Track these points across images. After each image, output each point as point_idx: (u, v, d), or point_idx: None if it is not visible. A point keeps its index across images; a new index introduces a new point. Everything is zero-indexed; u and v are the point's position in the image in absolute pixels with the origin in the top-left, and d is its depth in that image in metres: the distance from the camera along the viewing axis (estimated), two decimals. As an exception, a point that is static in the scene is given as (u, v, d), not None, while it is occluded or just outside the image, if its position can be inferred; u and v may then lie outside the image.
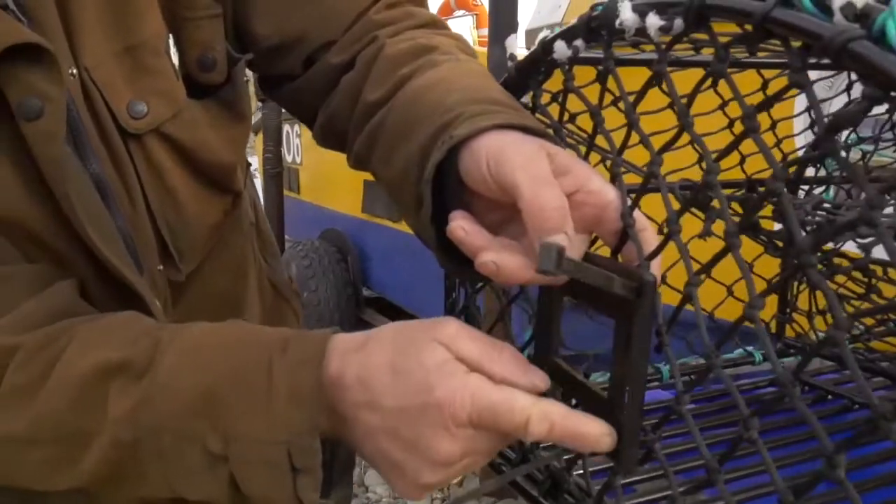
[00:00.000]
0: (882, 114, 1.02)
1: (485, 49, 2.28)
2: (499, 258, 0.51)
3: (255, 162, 4.10)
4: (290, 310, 0.97)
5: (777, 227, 0.95)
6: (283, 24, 0.77)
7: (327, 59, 0.77)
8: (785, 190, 0.42)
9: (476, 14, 6.91)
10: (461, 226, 0.53)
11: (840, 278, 0.94)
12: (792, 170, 0.81)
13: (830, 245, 0.88)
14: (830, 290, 0.38)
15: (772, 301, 0.90)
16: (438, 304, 0.83)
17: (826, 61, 0.40)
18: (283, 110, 3.69)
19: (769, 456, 0.45)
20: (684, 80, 0.51)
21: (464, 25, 6.64)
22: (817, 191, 1.05)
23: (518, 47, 0.72)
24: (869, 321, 0.97)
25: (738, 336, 1.04)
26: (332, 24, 0.77)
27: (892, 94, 0.36)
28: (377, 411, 0.52)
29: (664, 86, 0.51)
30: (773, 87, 0.80)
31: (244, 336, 0.58)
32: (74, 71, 0.64)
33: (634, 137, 0.55)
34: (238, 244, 0.84)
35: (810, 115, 0.98)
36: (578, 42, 0.56)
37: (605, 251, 0.55)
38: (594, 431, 0.50)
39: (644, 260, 0.49)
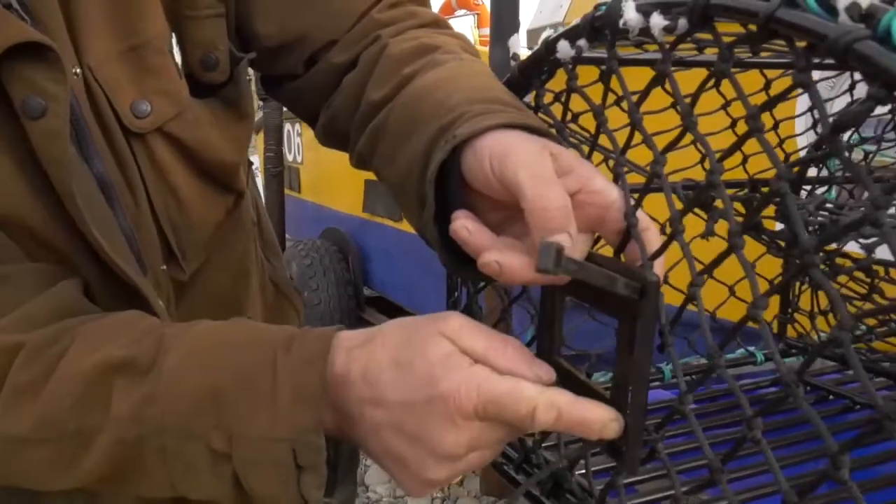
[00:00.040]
0: (885, 114, 1.02)
1: (486, 49, 2.28)
2: (502, 258, 0.51)
3: (256, 161, 4.10)
4: (292, 308, 0.97)
5: (779, 227, 0.95)
6: (286, 24, 0.77)
7: (330, 58, 0.77)
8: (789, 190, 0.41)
9: (477, 14, 6.91)
10: (464, 225, 0.53)
11: (842, 279, 0.94)
12: (795, 170, 0.81)
13: (833, 245, 0.88)
14: (834, 290, 0.38)
15: (773, 301, 0.90)
16: (439, 304, 0.83)
17: (830, 61, 0.40)
18: (285, 109, 3.71)
19: (766, 457, 0.45)
20: (686, 80, 0.50)
21: (465, 25, 6.64)
22: (819, 191, 1.05)
23: (519, 47, 0.72)
24: (871, 322, 0.97)
25: (739, 336, 1.05)
26: (335, 24, 0.77)
27: (897, 93, 0.36)
28: (382, 406, 0.52)
29: (667, 85, 0.51)
30: (776, 88, 0.80)
31: (248, 334, 0.58)
32: (78, 70, 0.64)
33: (637, 137, 0.55)
34: (240, 243, 0.84)
35: (812, 115, 0.97)
36: (582, 42, 0.56)
37: (607, 251, 0.55)
38: (601, 417, 0.50)
39: (647, 260, 0.49)
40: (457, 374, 0.50)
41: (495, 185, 0.52)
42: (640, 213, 0.51)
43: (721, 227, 0.72)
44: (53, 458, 0.56)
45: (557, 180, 0.50)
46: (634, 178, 0.56)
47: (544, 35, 0.61)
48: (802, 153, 1.24)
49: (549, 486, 0.75)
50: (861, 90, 0.94)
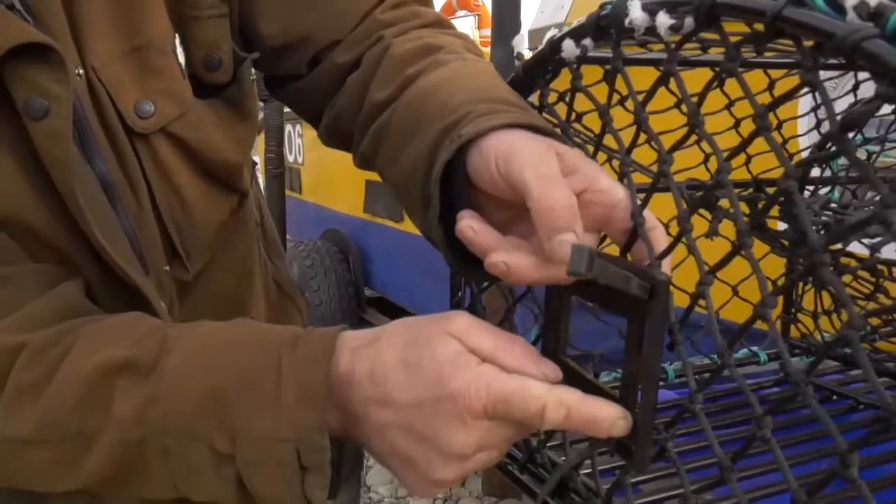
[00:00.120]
0: (888, 114, 1.02)
1: (487, 49, 2.28)
2: (509, 258, 0.51)
3: (258, 161, 4.09)
4: (295, 308, 0.97)
5: (781, 226, 0.95)
6: (289, 24, 0.77)
7: (333, 58, 0.77)
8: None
9: (478, 14, 6.92)
10: (470, 225, 0.53)
11: (846, 278, 0.94)
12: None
13: (837, 245, 0.88)
14: (844, 289, 0.38)
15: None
16: (440, 304, 0.83)
17: (834, 61, 0.40)
18: (286, 110, 3.71)
19: (775, 456, 0.45)
20: (688, 80, 0.50)
21: (466, 26, 6.64)
22: (822, 191, 1.05)
23: (524, 47, 0.72)
24: (875, 321, 0.97)
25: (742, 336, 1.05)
26: (338, 24, 0.77)
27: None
28: (389, 406, 0.52)
29: (671, 85, 0.51)
30: (780, 87, 0.80)
31: (252, 335, 0.58)
32: (81, 71, 0.64)
33: (641, 137, 0.54)
34: (244, 244, 0.84)
35: (816, 115, 0.98)
36: (587, 41, 0.56)
37: (611, 250, 0.55)
38: (609, 415, 0.50)
39: (655, 259, 0.49)
40: (466, 374, 0.50)
41: (501, 184, 0.52)
42: (646, 213, 0.51)
43: (724, 226, 0.72)
44: (55, 459, 0.56)
45: (563, 180, 0.50)
46: (638, 178, 0.56)
47: (549, 34, 0.60)
48: (804, 154, 1.24)
49: (554, 485, 0.74)
50: (865, 90, 0.94)
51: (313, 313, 3.64)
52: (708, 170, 0.87)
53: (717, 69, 0.47)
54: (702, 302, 0.49)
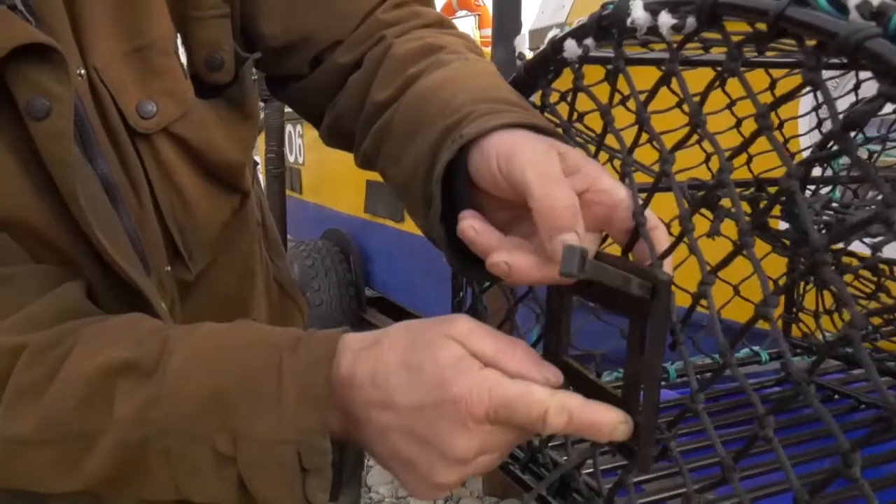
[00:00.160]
0: (889, 113, 1.02)
1: (488, 50, 2.28)
2: (510, 258, 0.51)
3: (258, 161, 4.09)
4: (297, 308, 0.97)
5: (782, 226, 0.95)
6: (291, 24, 0.77)
7: (334, 58, 0.77)
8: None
9: (479, 14, 6.92)
10: (472, 225, 0.53)
11: (847, 278, 0.94)
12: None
13: (839, 245, 0.88)
14: (846, 288, 0.37)
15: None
16: (441, 304, 0.83)
17: (836, 61, 0.40)
18: (286, 110, 3.72)
19: (778, 455, 0.45)
20: (689, 80, 0.50)
21: (466, 26, 6.64)
22: (823, 191, 1.05)
23: (525, 47, 0.72)
24: (876, 321, 0.97)
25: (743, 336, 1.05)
26: (340, 24, 0.77)
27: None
28: (391, 410, 0.52)
29: (673, 85, 0.51)
30: (781, 87, 0.80)
31: (253, 337, 0.58)
32: (83, 71, 0.64)
33: (643, 137, 0.54)
34: (246, 243, 0.84)
35: (817, 115, 0.98)
36: (589, 41, 0.56)
37: (613, 250, 0.55)
38: (611, 420, 0.50)
39: (657, 259, 0.49)
40: (468, 378, 0.50)
41: (502, 184, 0.52)
42: (648, 212, 0.51)
43: (725, 226, 0.72)
44: (56, 459, 0.56)
45: (565, 179, 0.50)
46: (640, 178, 0.56)
47: (551, 34, 0.60)
48: (805, 153, 1.24)
49: (555, 485, 0.75)
50: (866, 90, 0.94)
51: (314, 313, 3.64)
52: (709, 169, 0.87)
53: (719, 69, 0.47)
54: (703, 301, 0.49)
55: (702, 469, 0.81)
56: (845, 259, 0.88)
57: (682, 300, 0.55)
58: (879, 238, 0.63)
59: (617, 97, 0.58)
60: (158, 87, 0.69)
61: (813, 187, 1.02)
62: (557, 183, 0.50)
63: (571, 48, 0.58)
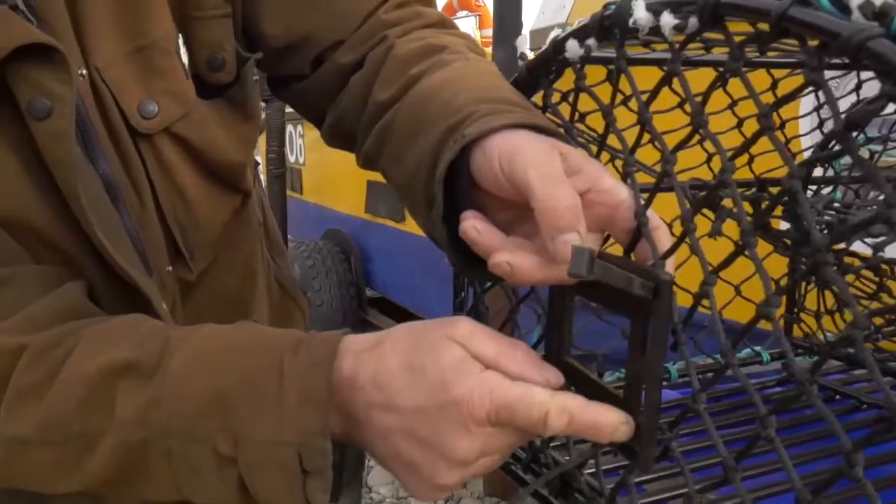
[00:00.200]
0: (891, 113, 1.02)
1: (489, 50, 2.28)
2: (513, 259, 0.51)
3: (259, 162, 4.09)
4: (298, 308, 0.97)
5: (783, 226, 0.95)
6: (292, 24, 0.77)
7: (336, 58, 0.77)
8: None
9: (479, 15, 6.92)
10: (474, 225, 0.53)
11: (849, 278, 0.94)
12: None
13: (840, 245, 0.87)
14: (848, 288, 0.37)
15: (779, 301, 0.90)
16: (441, 304, 0.84)
17: (837, 61, 0.40)
18: (287, 110, 3.72)
19: (780, 455, 0.45)
20: (691, 80, 0.50)
21: (467, 26, 6.64)
22: (824, 191, 1.05)
23: (527, 47, 0.72)
24: (878, 321, 0.97)
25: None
26: (341, 24, 0.77)
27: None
28: (393, 411, 0.52)
29: (674, 85, 0.51)
30: (782, 87, 0.80)
31: (254, 338, 0.58)
32: (84, 71, 0.64)
33: (645, 137, 0.54)
34: (247, 243, 0.84)
35: (818, 114, 0.98)
36: (591, 41, 0.56)
37: (614, 250, 0.55)
38: (612, 421, 0.50)
39: (659, 259, 0.49)
40: (469, 380, 0.50)
41: (505, 184, 0.52)
42: (650, 212, 0.51)
43: (727, 226, 0.72)
44: (57, 460, 0.56)
45: (567, 180, 0.50)
46: (642, 178, 0.56)
47: (552, 34, 0.60)
48: (806, 154, 1.24)
49: (557, 485, 0.75)
50: (867, 90, 0.94)
51: (315, 314, 3.64)
52: (710, 169, 0.87)
53: (721, 69, 0.47)
54: (705, 302, 0.49)
55: (703, 469, 0.81)
56: (847, 259, 0.88)
57: (683, 300, 0.55)
58: (881, 238, 0.63)
59: (618, 97, 0.58)
60: (160, 87, 0.69)
61: (814, 187, 1.02)
62: (559, 183, 0.50)
63: (573, 48, 0.58)
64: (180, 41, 0.71)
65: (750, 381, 1.08)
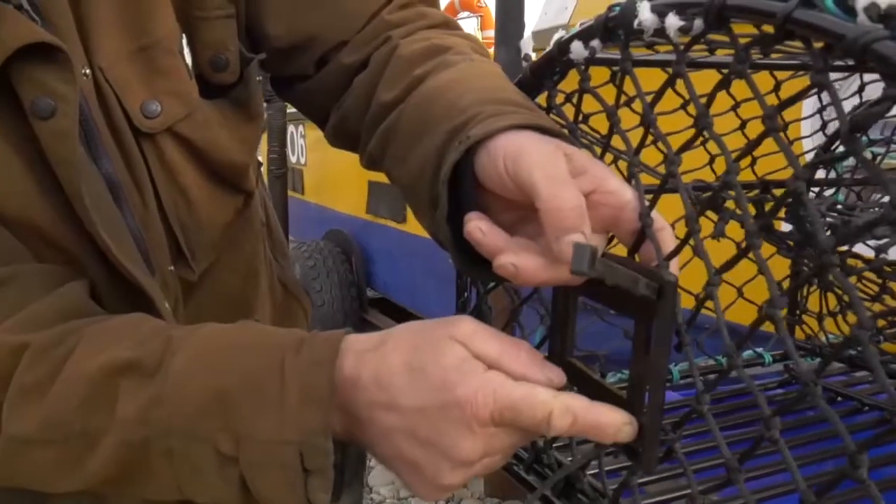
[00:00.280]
0: (893, 116, 1.02)
1: (490, 51, 2.28)
2: (517, 260, 0.51)
3: (261, 162, 4.09)
4: (300, 308, 0.97)
5: (785, 227, 0.95)
6: (296, 25, 0.77)
7: (340, 59, 0.77)
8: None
9: (481, 16, 6.93)
10: (478, 227, 0.53)
11: (851, 279, 0.93)
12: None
13: (843, 247, 0.87)
14: (855, 290, 0.37)
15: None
16: (442, 305, 0.84)
17: (840, 63, 0.40)
18: (289, 110, 3.72)
19: (780, 458, 0.45)
20: (694, 82, 0.50)
21: (468, 27, 6.64)
22: (826, 193, 1.05)
23: (530, 48, 0.72)
24: (880, 322, 0.97)
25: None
26: (345, 25, 0.77)
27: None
28: (395, 411, 0.52)
29: (678, 86, 0.51)
30: (785, 89, 0.80)
31: (256, 337, 0.58)
32: (88, 71, 0.64)
33: (649, 138, 0.54)
34: (250, 243, 0.84)
35: (822, 116, 0.98)
36: (595, 42, 0.56)
37: (619, 251, 0.55)
38: (615, 421, 0.50)
39: (663, 260, 0.49)
40: (472, 380, 0.50)
41: (509, 185, 0.52)
42: (654, 214, 0.51)
43: (730, 228, 0.72)
44: (59, 459, 0.56)
45: (572, 181, 0.50)
46: (646, 179, 0.56)
47: (556, 36, 0.60)
48: (809, 156, 1.24)
49: (560, 486, 0.74)
50: (870, 92, 0.94)
51: (315, 314, 3.63)
52: (713, 171, 0.87)
53: (726, 71, 0.47)
54: (709, 303, 0.49)
55: (705, 471, 0.81)
56: (850, 261, 0.88)
57: (686, 302, 0.55)
58: (885, 240, 0.63)
59: (623, 98, 0.58)
60: (163, 87, 0.69)
61: (817, 189, 1.02)
62: (564, 184, 0.50)
63: (578, 50, 0.58)
64: (184, 41, 0.71)
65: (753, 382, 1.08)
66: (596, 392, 0.53)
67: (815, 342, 1.11)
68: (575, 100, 0.65)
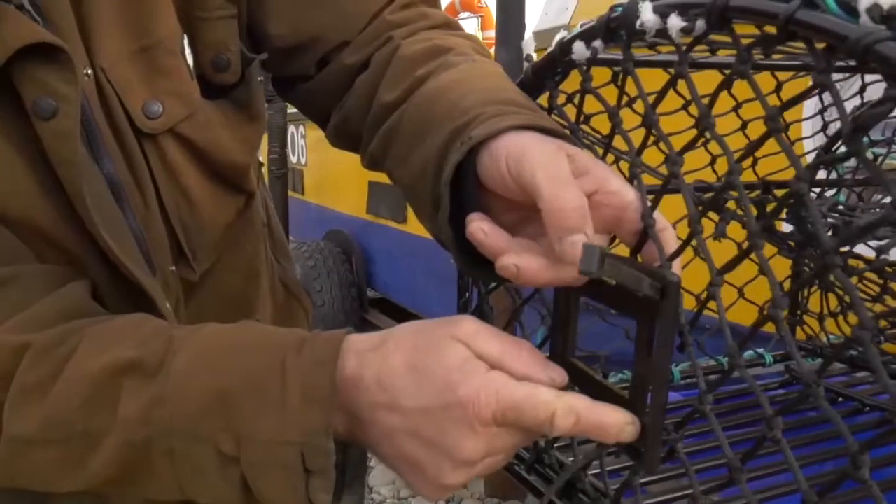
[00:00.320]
0: (894, 116, 1.02)
1: (491, 51, 2.28)
2: (520, 261, 0.51)
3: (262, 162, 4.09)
4: (301, 308, 0.97)
5: (786, 227, 0.95)
6: (298, 25, 0.77)
7: (342, 59, 0.77)
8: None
9: (481, 16, 6.93)
10: (481, 227, 0.53)
11: (852, 280, 0.93)
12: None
13: (844, 247, 0.87)
14: (856, 291, 0.37)
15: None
16: (442, 305, 0.84)
17: (842, 64, 0.40)
18: (289, 111, 3.72)
19: (781, 458, 0.45)
20: (696, 82, 0.50)
21: (469, 27, 6.64)
22: (827, 193, 1.05)
23: (532, 49, 0.72)
24: (882, 323, 0.97)
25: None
26: (347, 25, 0.77)
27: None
28: (397, 411, 0.52)
29: (680, 87, 0.51)
30: (787, 89, 0.80)
31: (257, 337, 0.58)
32: (89, 71, 0.64)
33: (651, 138, 0.54)
34: (251, 244, 0.84)
35: (823, 117, 0.98)
36: (597, 43, 0.56)
37: (621, 251, 0.55)
38: (618, 421, 0.50)
39: (666, 260, 0.49)
40: (474, 381, 0.50)
41: (511, 185, 0.52)
42: (656, 214, 0.51)
43: (731, 228, 0.72)
44: (60, 459, 0.56)
45: (574, 181, 0.50)
46: (648, 180, 0.56)
47: (558, 36, 0.60)
48: (809, 157, 1.24)
49: (561, 486, 0.74)
50: (871, 93, 0.94)
51: (316, 314, 3.64)
52: (715, 172, 0.87)
53: (728, 71, 0.47)
54: (711, 304, 0.49)
55: (707, 471, 0.80)
56: (851, 262, 0.88)
57: (687, 303, 0.55)
58: (886, 241, 0.63)
59: (624, 99, 0.58)
60: (164, 88, 0.69)
61: (818, 190, 1.02)
62: (567, 184, 0.50)
63: (580, 50, 0.58)
64: (185, 42, 0.71)
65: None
66: (598, 392, 0.53)
67: (816, 343, 1.11)
68: (577, 100, 0.65)
